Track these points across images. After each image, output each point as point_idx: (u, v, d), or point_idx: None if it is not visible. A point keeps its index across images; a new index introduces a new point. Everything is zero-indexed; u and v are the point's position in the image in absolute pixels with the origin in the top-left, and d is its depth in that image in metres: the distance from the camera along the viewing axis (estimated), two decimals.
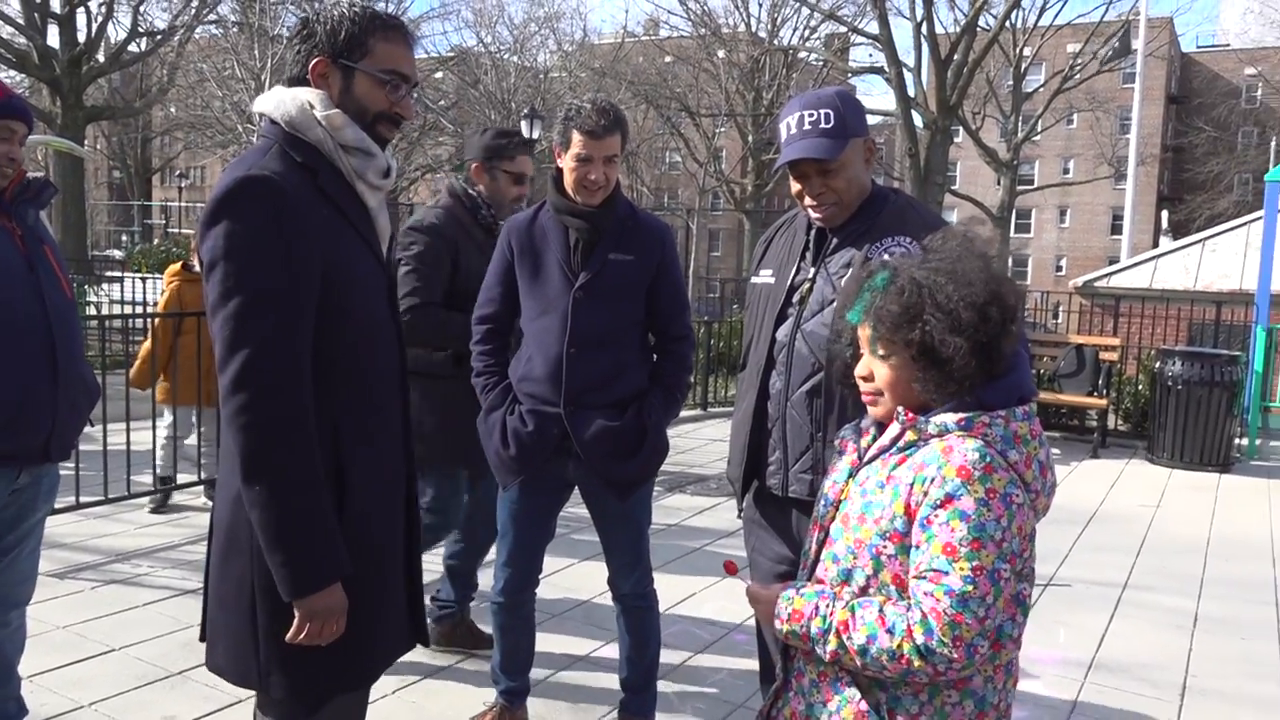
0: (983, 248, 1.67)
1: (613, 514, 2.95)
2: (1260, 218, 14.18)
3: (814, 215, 2.31)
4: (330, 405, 1.82)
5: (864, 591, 1.60)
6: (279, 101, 1.87)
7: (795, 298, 2.34)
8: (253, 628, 1.82)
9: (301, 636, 1.77)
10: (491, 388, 2.91)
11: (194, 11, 23.84)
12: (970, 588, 1.46)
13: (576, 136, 2.73)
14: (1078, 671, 3.83)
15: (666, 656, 3.78)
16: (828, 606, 1.59)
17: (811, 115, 2.21)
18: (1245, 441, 8.56)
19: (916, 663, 1.48)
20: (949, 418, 1.58)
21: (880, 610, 1.53)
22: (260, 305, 1.72)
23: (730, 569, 1.92)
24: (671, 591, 4.47)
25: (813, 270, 2.33)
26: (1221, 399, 7.86)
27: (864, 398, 1.70)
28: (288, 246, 1.75)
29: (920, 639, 1.47)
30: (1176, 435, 7.94)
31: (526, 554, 3.00)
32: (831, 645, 1.56)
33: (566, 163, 2.78)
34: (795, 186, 2.30)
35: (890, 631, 1.50)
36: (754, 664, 3.52)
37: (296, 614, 1.76)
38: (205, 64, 26.21)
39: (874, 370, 1.66)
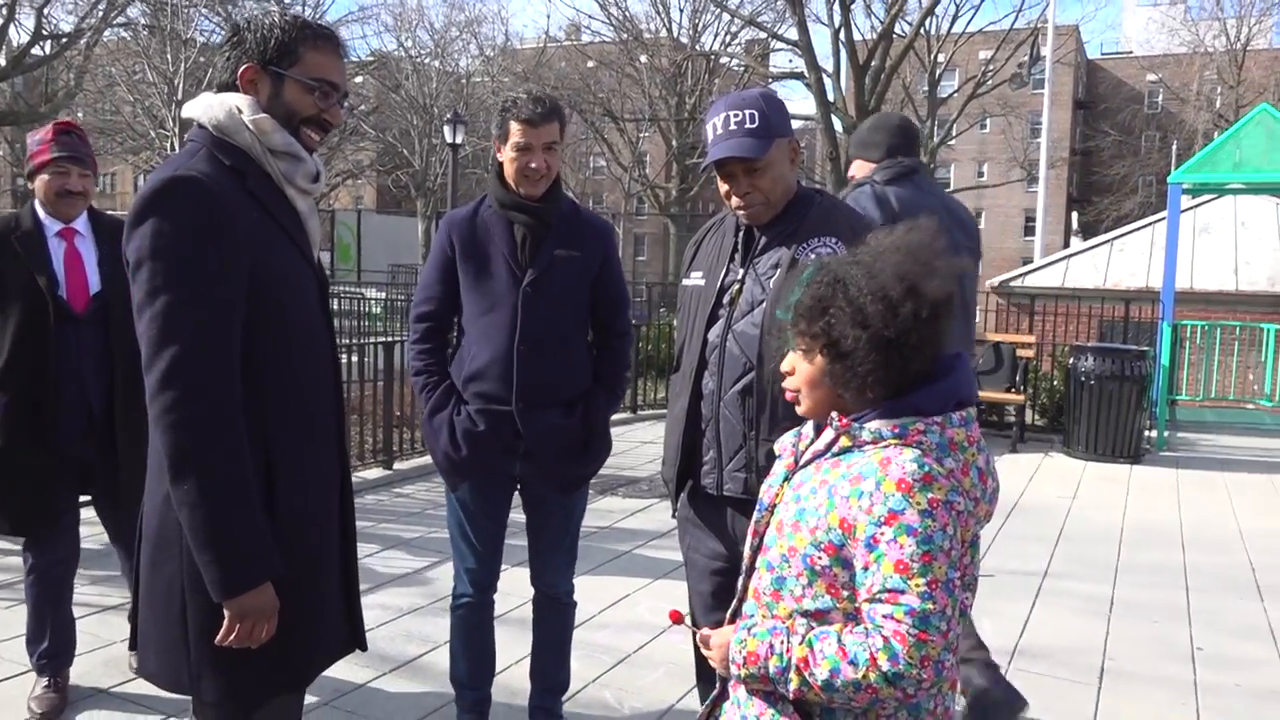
0: (911, 241, 1.60)
1: (556, 512, 2.94)
2: (1163, 219, 14.79)
3: (741, 215, 2.35)
4: (259, 406, 1.80)
5: (798, 601, 1.56)
6: (207, 106, 1.88)
7: (725, 299, 2.37)
8: (183, 630, 1.81)
9: (232, 638, 1.75)
10: (433, 387, 2.86)
11: (101, 14, 23.15)
12: (930, 604, 1.42)
13: (514, 126, 2.72)
14: (1002, 658, 3.93)
15: (602, 657, 3.81)
16: (783, 644, 1.52)
17: (737, 115, 2.25)
18: (1154, 434, 8.90)
19: (885, 690, 1.44)
20: (883, 424, 1.54)
21: (839, 641, 1.47)
22: (188, 303, 1.71)
23: (675, 618, 1.87)
24: (606, 593, 4.49)
25: (742, 271, 2.37)
26: (1132, 393, 8.16)
27: (787, 395, 1.68)
28: (216, 245, 1.74)
29: (886, 666, 1.42)
30: (1090, 428, 8.22)
31: (488, 552, 2.96)
32: (794, 684, 1.50)
33: (507, 154, 2.76)
34: (723, 187, 2.33)
35: (853, 663, 1.44)
36: (690, 661, 3.56)
37: (226, 615, 1.75)
38: (114, 68, 25.42)
39: (795, 366, 1.64)
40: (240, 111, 1.85)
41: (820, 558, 1.52)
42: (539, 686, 3.10)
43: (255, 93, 1.87)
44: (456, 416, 2.80)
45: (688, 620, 1.84)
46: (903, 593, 1.43)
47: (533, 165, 2.74)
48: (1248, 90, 36.51)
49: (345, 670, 3.45)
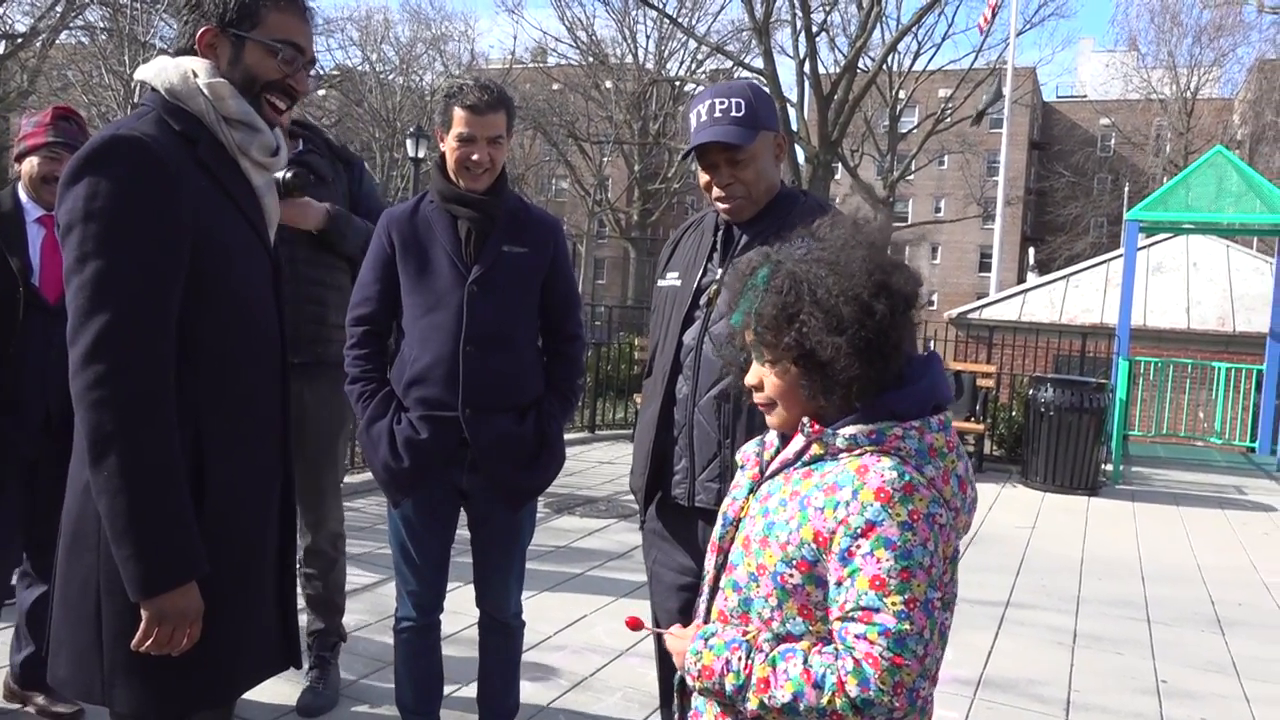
0: (872, 234, 1.49)
1: (505, 528, 2.76)
2: (1117, 256, 15.05)
3: (721, 207, 2.24)
4: (194, 391, 1.65)
5: (767, 625, 1.43)
6: (160, 69, 1.75)
7: (703, 300, 2.26)
8: (97, 633, 1.64)
9: (149, 643, 1.59)
10: (371, 395, 2.65)
11: (59, 15, 22.72)
12: (906, 625, 1.30)
13: (458, 113, 2.55)
14: (967, 689, 3.85)
15: (557, 680, 3.66)
16: (741, 661, 1.40)
17: (723, 103, 2.15)
18: (1110, 467, 8.93)
19: (852, 719, 1.31)
20: (859, 429, 1.42)
21: (805, 662, 1.35)
22: (121, 271, 1.56)
23: (633, 624, 1.70)
24: (561, 614, 4.35)
25: (720, 271, 2.25)
26: (1090, 425, 8.18)
27: (759, 407, 1.55)
28: (156, 211, 1.59)
29: (855, 691, 1.30)
30: (1048, 460, 8.23)
31: (433, 570, 2.76)
32: (752, 705, 1.38)
33: (448, 143, 2.59)
34: (703, 178, 2.22)
35: (819, 686, 1.32)
36: (648, 685, 3.43)
37: (144, 616, 1.58)
38: (71, 71, 24.94)
39: (763, 379, 1.50)
40: (195, 76, 1.71)
41: (792, 575, 1.40)
42: (487, 712, 2.93)
43: (214, 57, 1.74)
44: (396, 425, 2.60)
45: (648, 624, 1.68)
46: (877, 611, 1.31)
47: (474, 158, 2.56)
48: (1197, 137, 37.43)
49: (284, 690, 3.27)
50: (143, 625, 1.59)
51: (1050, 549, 6.26)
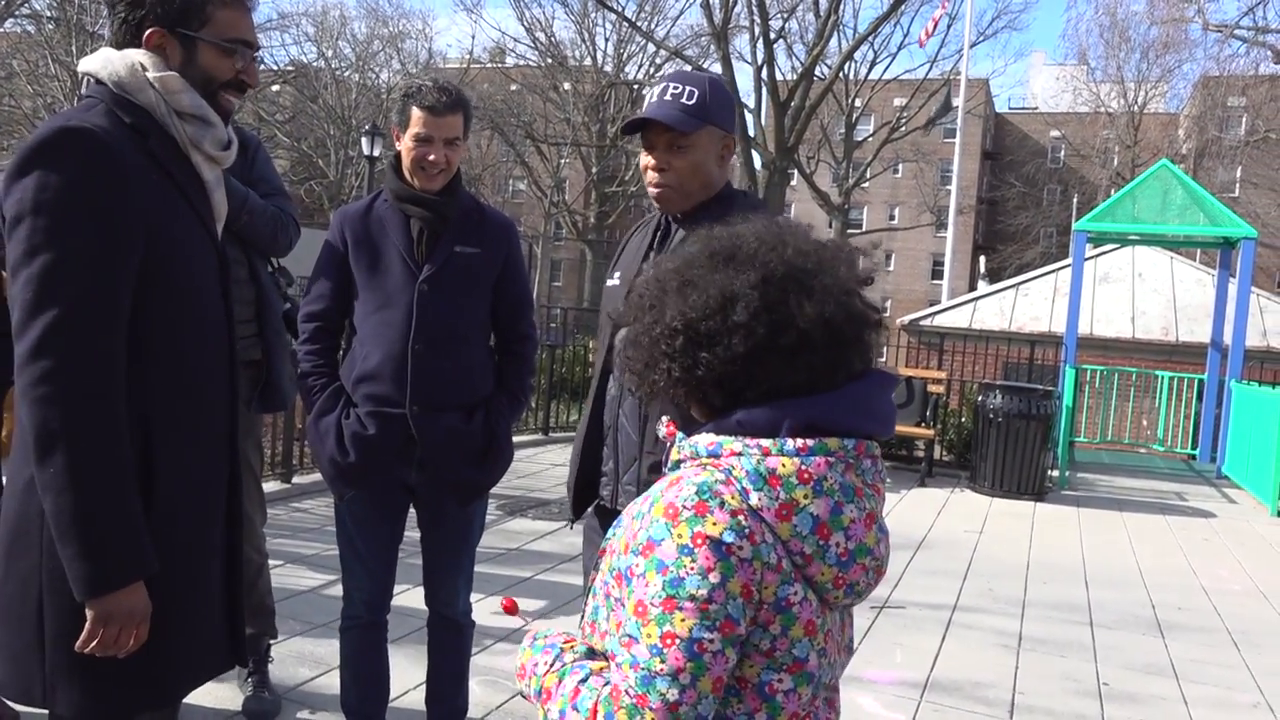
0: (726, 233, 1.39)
1: (452, 525, 2.75)
2: (1066, 266, 15.35)
3: (651, 192, 2.24)
4: (142, 387, 1.62)
5: (604, 638, 1.31)
6: (106, 60, 1.71)
7: None
8: (39, 634, 1.59)
9: (94, 644, 1.55)
10: (321, 389, 2.66)
11: (3, 4, 22.22)
12: (658, 663, 1.13)
13: (416, 113, 2.56)
14: (914, 691, 3.89)
15: (506, 683, 3.64)
16: (544, 666, 1.30)
17: (677, 89, 2.15)
18: (1057, 473, 9.09)
19: None
20: (701, 440, 1.29)
21: (582, 680, 1.23)
22: (71, 265, 1.52)
23: (508, 607, 1.65)
24: (512, 617, 4.32)
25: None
26: (1038, 431, 8.32)
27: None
28: (107, 204, 1.56)
29: None
30: (996, 465, 8.35)
31: (382, 565, 2.75)
32: (540, 716, 1.28)
33: (405, 143, 2.59)
34: (644, 160, 2.22)
35: (577, 710, 1.19)
36: None
37: (89, 616, 1.54)
38: (16, 60, 24.40)
39: None
40: (144, 69, 1.68)
41: (614, 587, 1.28)
42: (435, 713, 2.91)
43: (164, 58, 1.71)
44: (345, 420, 2.61)
45: (522, 613, 1.62)
46: (635, 641, 1.16)
47: (430, 158, 2.57)
48: (1143, 150, 38.25)
49: (226, 693, 3.21)
50: (88, 626, 1.55)
51: (997, 553, 6.35)
